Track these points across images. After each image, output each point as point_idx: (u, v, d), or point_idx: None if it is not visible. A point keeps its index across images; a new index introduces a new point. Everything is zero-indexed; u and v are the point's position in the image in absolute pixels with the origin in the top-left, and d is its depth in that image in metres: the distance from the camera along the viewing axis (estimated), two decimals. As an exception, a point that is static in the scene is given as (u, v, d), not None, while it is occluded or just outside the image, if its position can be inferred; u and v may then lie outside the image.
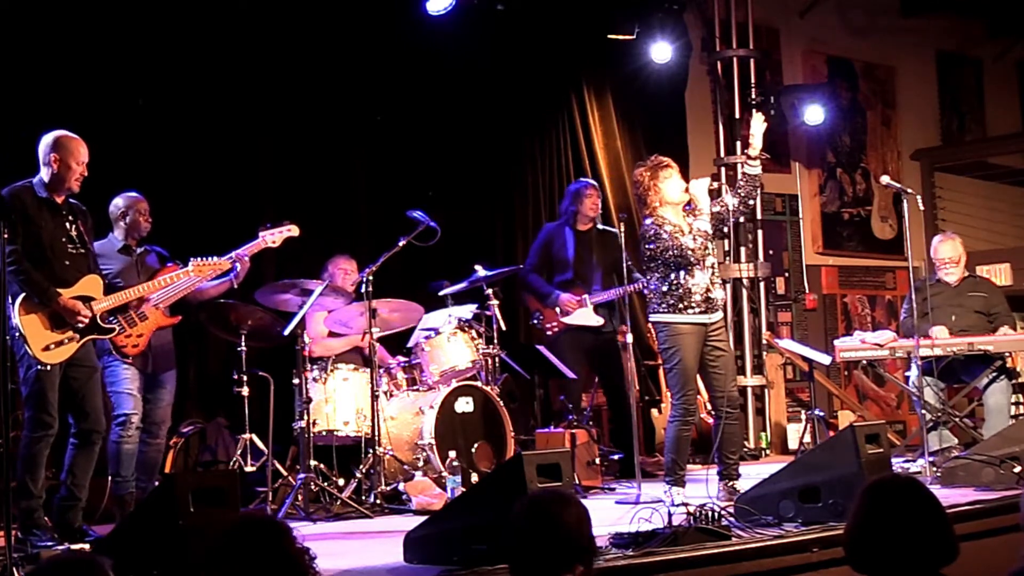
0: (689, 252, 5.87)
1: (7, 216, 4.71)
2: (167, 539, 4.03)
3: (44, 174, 5.36)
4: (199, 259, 5.89)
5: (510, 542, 3.07)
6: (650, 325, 8.78)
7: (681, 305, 5.89)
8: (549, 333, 7.59)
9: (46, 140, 5.39)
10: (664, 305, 5.93)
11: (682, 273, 5.89)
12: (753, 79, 9.84)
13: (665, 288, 5.92)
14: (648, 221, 5.99)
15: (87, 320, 5.29)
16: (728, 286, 9.27)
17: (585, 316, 7.48)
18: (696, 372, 5.97)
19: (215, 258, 5.94)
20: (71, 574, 2.62)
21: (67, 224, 5.40)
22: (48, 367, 5.17)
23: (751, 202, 6.22)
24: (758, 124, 6.15)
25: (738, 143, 9.81)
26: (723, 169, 9.71)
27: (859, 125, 11.26)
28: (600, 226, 7.45)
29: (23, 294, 5.17)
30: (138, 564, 4.01)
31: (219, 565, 2.71)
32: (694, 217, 6.03)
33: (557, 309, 7.54)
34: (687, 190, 6.04)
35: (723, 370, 6.01)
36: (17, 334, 5.13)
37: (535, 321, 7.73)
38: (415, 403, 6.79)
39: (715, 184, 6.26)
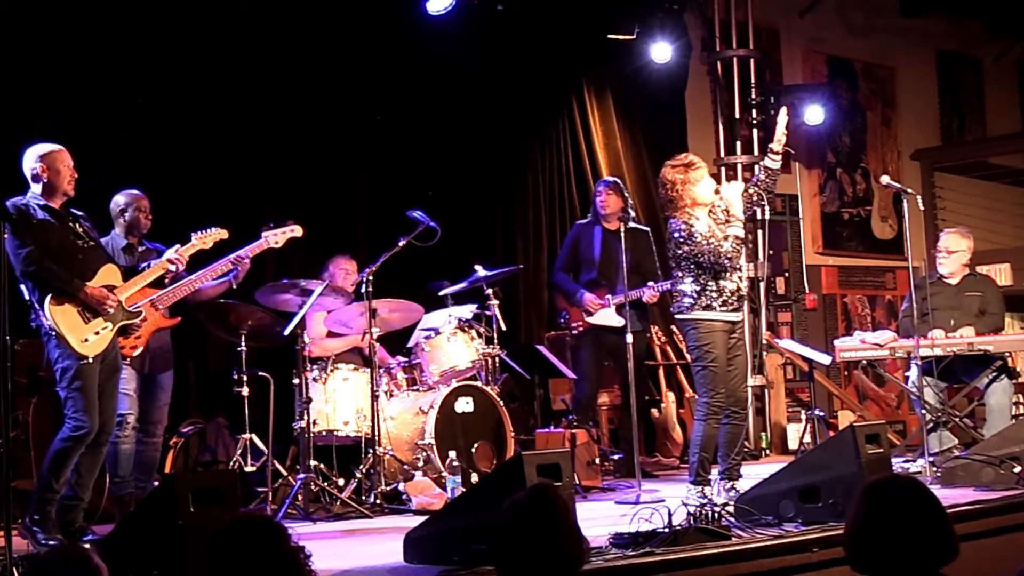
0: (726, 259, 5.78)
1: (7, 217, 4.71)
2: (167, 539, 4.03)
3: (36, 188, 5.35)
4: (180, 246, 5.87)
5: (496, 546, 3.09)
6: (652, 326, 8.85)
7: (715, 304, 5.79)
8: (575, 332, 7.63)
9: (29, 154, 5.37)
10: (697, 305, 5.80)
11: (716, 276, 5.80)
12: (753, 79, 9.85)
13: (698, 289, 5.81)
14: (677, 223, 5.85)
15: (115, 305, 5.33)
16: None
17: (607, 316, 7.47)
18: (726, 371, 5.87)
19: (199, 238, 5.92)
20: (63, 568, 2.64)
21: (71, 224, 5.42)
22: (90, 359, 5.20)
23: (767, 196, 6.13)
24: (783, 119, 6.14)
25: (738, 143, 9.83)
26: (723, 169, 9.72)
27: (859, 125, 11.27)
28: (631, 225, 7.38)
29: (50, 293, 5.19)
30: (138, 564, 4.01)
31: (216, 564, 2.72)
32: (727, 222, 5.90)
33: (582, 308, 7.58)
34: (717, 191, 5.98)
35: (737, 370, 5.97)
36: (54, 333, 5.15)
37: (562, 320, 7.78)
38: (415, 403, 6.78)
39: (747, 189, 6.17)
